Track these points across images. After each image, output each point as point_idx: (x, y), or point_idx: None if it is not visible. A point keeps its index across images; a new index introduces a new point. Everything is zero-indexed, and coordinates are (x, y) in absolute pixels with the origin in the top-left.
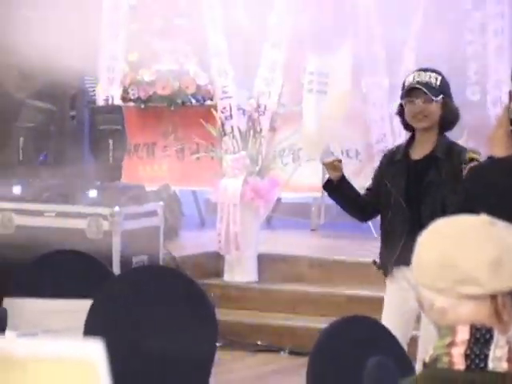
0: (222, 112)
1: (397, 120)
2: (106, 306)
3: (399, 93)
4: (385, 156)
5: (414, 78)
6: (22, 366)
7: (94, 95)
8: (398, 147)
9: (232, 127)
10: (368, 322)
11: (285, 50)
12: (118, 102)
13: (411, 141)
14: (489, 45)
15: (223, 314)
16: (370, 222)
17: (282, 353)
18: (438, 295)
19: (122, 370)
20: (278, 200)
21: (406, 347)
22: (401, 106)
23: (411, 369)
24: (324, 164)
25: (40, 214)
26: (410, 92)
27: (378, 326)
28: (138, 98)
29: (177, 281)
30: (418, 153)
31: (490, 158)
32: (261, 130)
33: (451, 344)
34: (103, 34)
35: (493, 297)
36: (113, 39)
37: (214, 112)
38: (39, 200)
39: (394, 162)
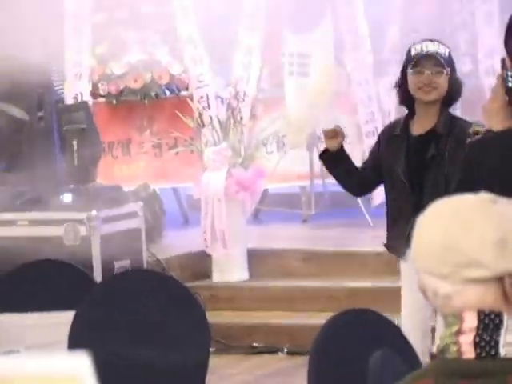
0: (199, 102)
1: (385, 97)
2: (90, 317)
3: (385, 69)
4: (383, 132)
5: (422, 48)
6: None
7: (62, 93)
8: (397, 122)
9: (211, 117)
10: (369, 314)
11: (261, 31)
12: (87, 98)
13: (410, 115)
14: (477, 12)
15: (214, 317)
16: (364, 209)
17: (280, 353)
18: (441, 281)
19: (111, 381)
20: (265, 191)
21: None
22: (402, 77)
23: (418, 362)
24: (324, 131)
25: (12, 223)
26: (418, 62)
27: (380, 319)
28: (109, 94)
29: (163, 284)
30: (418, 128)
31: (489, 132)
32: (241, 118)
33: (459, 332)
34: (67, 27)
35: (500, 279)
36: (77, 32)
37: (191, 102)
38: (10, 208)
39: (393, 138)
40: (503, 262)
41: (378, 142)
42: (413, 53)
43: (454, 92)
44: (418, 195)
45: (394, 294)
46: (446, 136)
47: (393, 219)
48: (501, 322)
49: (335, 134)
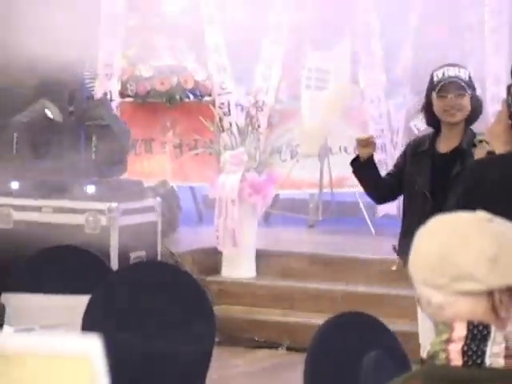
0: (220, 108)
1: (395, 116)
2: (104, 302)
3: (397, 89)
4: (409, 145)
5: (444, 73)
6: (19, 362)
7: (93, 91)
8: (423, 138)
9: (230, 123)
10: (365, 318)
11: (284, 46)
12: (116, 97)
13: (436, 134)
14: (487, 41)
15: (221, 310)
16: (368, 219)
17: (279, 349)
18: (435, 291)
19: (120, 366)
20: (276, 196)
21: None
22: (427, 101)
23: (409, 366)
24: (358, 140)
25: (38, 209)
26: (442, 86)
27: (375, 322)
28: (137, 94)
29: (175, 276)
30: (444, 146)
31: (490, 154)
32: (259, 126)
33: (448, 340)
34: (101, 30)
35: (490, 293)
36: (111, 35)
37: (212, 108)
38: (37, 195)
39: (419, 153)
40: (494, 278)
41: (404, 155)
42: (435, 79)
43: (476, 111)
44: (438, 209)
45: (390, 300)
46: (470, 153)
47: (408, 229)
48: (488, 333)
49: (368, 143)
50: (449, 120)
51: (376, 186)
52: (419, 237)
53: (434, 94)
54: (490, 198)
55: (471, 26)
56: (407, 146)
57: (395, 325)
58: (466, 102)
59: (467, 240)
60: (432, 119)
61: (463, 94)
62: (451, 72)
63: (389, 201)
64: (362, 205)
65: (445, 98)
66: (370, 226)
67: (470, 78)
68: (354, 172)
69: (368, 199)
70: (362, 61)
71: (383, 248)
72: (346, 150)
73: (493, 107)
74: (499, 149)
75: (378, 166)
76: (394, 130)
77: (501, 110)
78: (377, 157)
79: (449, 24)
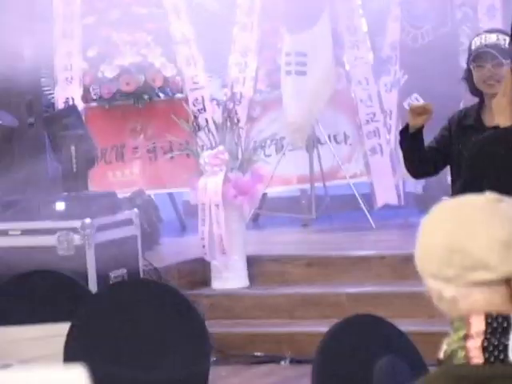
0: (194, 104)
1: (386, 97)
2: (86, 328)
3: (386, 67)
4: (452, 118)
5: (481, 41)
6: None
7: (53, 98)
8: (466, 111)
9: (206, 120)
10: (374, 320)
11: (256, 31)
12: (78, 102)
13: (481, 105)
14: (479, 6)
15: (215, 326)
16: (366, 212)
17: (282, 362)
18: (446, 284)
19: None
20: (264, 195)
21: None
22: (468, 70)
23: (425, 367)
24: (412, 107)
25: (4, 233)
26: (478, 56)
27: (384, 324)
28: (101, 97)
29: (161, 294)
30: (491, 119)
31: (494, 129)
32: (238, 120)
33: (466, 337)
34: (56, 31)
35: (507, 281)
36: (67, 35)
37: (186, 105)
38: (2, 218)
39: (466, 128)
40: (510, 264)
41: (449, 129)
42: (473, 47)
43: None
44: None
45: (399, 299)
46: None
47: None
48: (509, 325)
49: (424, 110)
50: (488, 91)
51: (420, 160)
52: (424, 226)
53: (471, 64)
54: (496, 173)
55: None
56: (451, 119)
57: (408, 325)
58: (504, 71)
59: (476, 225)
60: (474, 89)
61: (501, 62)
62: (489, 39)
63: (429, 176)
64: (358, 197)
65: (482, 68)
66: (370, 219)
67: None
68: (401, 143)
69: (364, 190)
70: (345, 40)
71: (386, 242)
72: (335, 139)
73: None
74: (505, 122)
75: (371, 152)
76: (386, 113)
77: (505, 79)
78: (370, 142)
79: None
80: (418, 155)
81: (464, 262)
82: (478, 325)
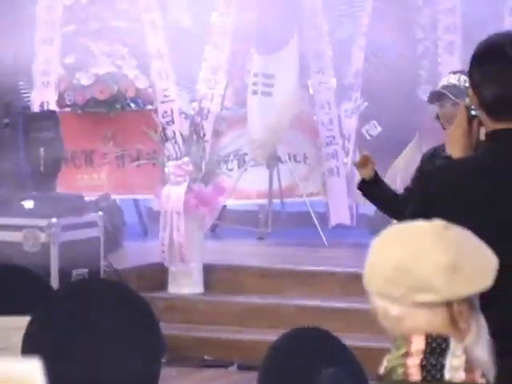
0: (163, 116)
1: (346, 122)
2: (45, 323)
3: (347, 94)
4: (424, 157)
5: (443, 82)
6: None
7: (29, 101)
8: (437, 148)
9: (174, 132)
10: (320, 333)
11: (227, 50)
12: (53, 107)
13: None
14: (440, 42)
15: (168, 329)
16: (320, 230)
17: (230, 368)
18: (391, 303)
19: None
20: (224, 207)
21: None
22: None
23: (366, 382)
24: (356, 165)
25: None
26: (439, 95)
27: (330, 338)
28: (75, 104)
29: (119, 294)
30: None
31: (448, 159)
32: (204, 134)
33: (406, 354)
34: (37, 37)
35: (448, 304)
36: (47, 41)
37: (155, 116)
38: None
39: (436, 159)
40: (452, 288)
41: (420, 169)
42: (438, 85)
43: None
44: None
45: (345, 314)
46: None
47: None
48: (447, 346)
49: (365, 160)
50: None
51: (391, 204)
52: (374, 248)
53: (434, 102)
54: (448, 205)
55: (424, 26)
56: (423, 158)
57: (353, 340)
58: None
59: (423, 249)
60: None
61: (457, 103)
62: (449, 80)
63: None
64: (313, 214)
65: (442, 107)
66: (323, 236)
67: None
68: (364, 195)
69: (320, 208)
70: (311, 65)
71: (336, 259)
72: (295, 158)
73: None
74: (457, 154)
75: (329, 173)
76: (345, 137)
77: (460, 113)
78: (329, 164)
79: (400, 25)
80: (388, 199)
81: (409, 283)
82: (418, 344)
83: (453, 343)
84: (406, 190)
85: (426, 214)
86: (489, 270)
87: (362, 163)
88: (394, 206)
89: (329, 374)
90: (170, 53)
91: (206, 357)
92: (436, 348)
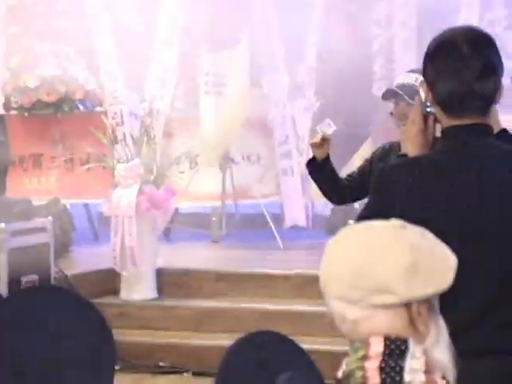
0: (113, 118)
1: (300, 120)
2: None
3: (301, 92)
4: (376, 151)
5: (397, 81)
6: None
7: None
8: (391, 145)
9: (124, 134)
10: (276, 337)
11: (177, 49)
12: (0, 110)
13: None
14: (395, 38)
15: (121, 335)
16: (275, 232)
17: (185, 374)
18: (350, 306)
19: None
20: (176, 210)
21: None
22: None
23: None
24: (311, 144)
25: None
26: (394, 93)
27: (286, 341)
28: (21, 106)
29: (70, 301)
30: None
31: (402, 157)
32: (154, 136)
33: (365, 357)
34: None
35: (408, 305)
36: None
37: (105, 118)
38: None
39: (387, 159)
40: (411, 289)
41: (371, 161)
42: (394, 83)
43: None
44: None
45: (301, 318)
46: None
47: None
48: (406, 348)
49: (323, 141)
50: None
51: (334, 188)
52: (330, 250)
53: (390, 100)
54: (404, 203)
55: (378, 22)
56: (375, 151)
57: (309, 343)
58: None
59: (381, 251)
60: None
61: (411, 104)
62: (404, 79)
63: (348, 203)
64: (268, 216)
65: (397, 105)
66: (278, 238)
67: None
68: (310, 174)
69: (274, 210)
70: (264, 63)
71: (292, 261)
72: (249, 159)
73: None
74: (413, 152)
75: (282, 173)
76: (299, 136)
77: (413, 110)
78: (283, 163)
79: (355, 21)
80: (331, 183)
81: (368, 285)
82: (376, 346)
83: (412, 345)
84: (349, 176)
85: (381, 211)
86: (448, 270)
87: (320, 143)
88: (337, 189)
89: (286, 379)
90: (118, 53)
91: (160, 363)
92: (395, 350)
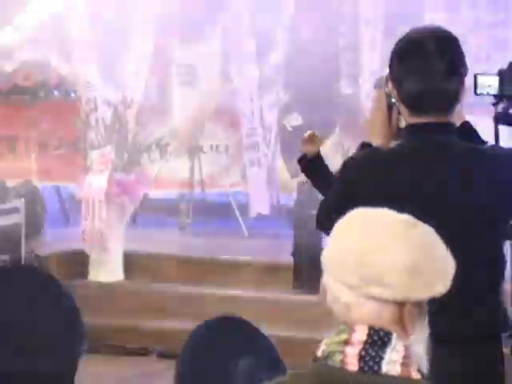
0: (87, 104)
1: (267, 114)
2: None
3: (269, 86)
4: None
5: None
6: None
7: None
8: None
9: (97, 120)
10: (239, 322)
11: (152, 41)
12: None
13: None
14: (362, 36)
15: (89, 316)
16: (241, 220)
17: (150, 355)
18: (345, 290)
19: None
20: (145, 196)
21: None
22: None
23: (284, 369)
24: (302, 140)
25: None
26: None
27: (249, 326)
28: None
29: (40, 281)
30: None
31: (366, 146)
32: (127, 123)
33: (347, 342)
34: None
35: (401, 304)
36: None
37: (78, 104)
38: None
39: None
40: (409, 290)
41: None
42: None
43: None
44: None
45: (264, 303)
46: None
47: None
48: (389, 340)
49: (312, 140)
50: None
51: (326, 180)
52: (338, 231)
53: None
54: (368, 192)
55: (346, 19)
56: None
57: (270, 329)
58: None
59: (388, 244)
60: None
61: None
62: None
63: None
64: (234, 205)
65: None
66: (243, 226)
67: None
68: (303, 171)
69: (240, 199)
70: (234, 56)
71: (256, 249)
72: (217, 149)
73: (368, 104)
74: (376, 141)
75: (249, 164)
76: (266, 128)
77: (380, 100)
78: (249, 154)
79: (323, 18)
80: (324, 179)
81: (370, 275)
82: (360, 334)
83: (395, 339)
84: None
85: (345, 200)
86: (447, 276)
87: (309, 139)
88: (328, 185)
89: (245, 363)
90: (93, 42)
91: (126, 345)
92: (377, 341)
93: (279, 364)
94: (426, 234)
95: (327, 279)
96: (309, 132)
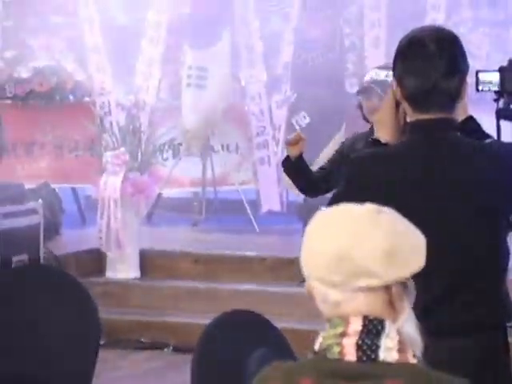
0: (101, 108)
1: (276, 112)
2: None
3: (278, 86)
4: (345, 142)
5: (371, 76)
6: None
7: None
8: (358, 137)
9: (111, 123)
10: (252, 316)
11: (162, 45)
12: None
13: (372, 132)
14: (366, 36)
15: (106, 312)
16: (252, 217)
17: (166, 349)
18: (331, 289)
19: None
20: (159, 195)
21: None
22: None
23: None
24: (287, 143)
25: None
26: (366, 90)
27: (261, 320)
28: (16, 95)
29: (58, 279)
30: None
31: (375, 142)
32: (140, 125)
33: (343, 334)
34: None
35: (387, 287)
36: None
37: (93, 108)
38: None
39: (356, 151)
40: (392, 272)
41: (341, 152)
42: (364, 82)
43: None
44: None
45: (277, 298)
46: None
47: None
48: (383, 328)
49: (297, 140)
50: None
51: (307, 182)
52: (310, 233)
53: (361, 96)
54: (373, 192)
55: (350, 21)
56: (344, 142)
57: (283, 322)
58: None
59: (361, 235)
60: (365, 117)
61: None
62: (378, 76)
63: (321, 194)
64: (245, 202)
65: (369, 100)
66: (254, 223)
67: None
68: (285, 171)
69: (251, 196)
70: (243, 58)
71: (267, 244)
72: (227, 148)
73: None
74: (385, 137)
75: (259, 162)
76: (275, 127)
77: (388, 97)
78: (259, 153)
79: (328, 20)
80: (305, 178)
81: (350, 269)
82: (355, 325)
83: (388, 325)
84: (322, 168)
85: (351, 200)
86: (422, 250)
87: (294, 142)
88: (311, 184)
89: (258, 356)
90: (106, 47)
91: (142, 339)
92: (372, 330)
93: (291, 355)
94: (392, 216)
95: (310, 283)
96: (294, 134)
